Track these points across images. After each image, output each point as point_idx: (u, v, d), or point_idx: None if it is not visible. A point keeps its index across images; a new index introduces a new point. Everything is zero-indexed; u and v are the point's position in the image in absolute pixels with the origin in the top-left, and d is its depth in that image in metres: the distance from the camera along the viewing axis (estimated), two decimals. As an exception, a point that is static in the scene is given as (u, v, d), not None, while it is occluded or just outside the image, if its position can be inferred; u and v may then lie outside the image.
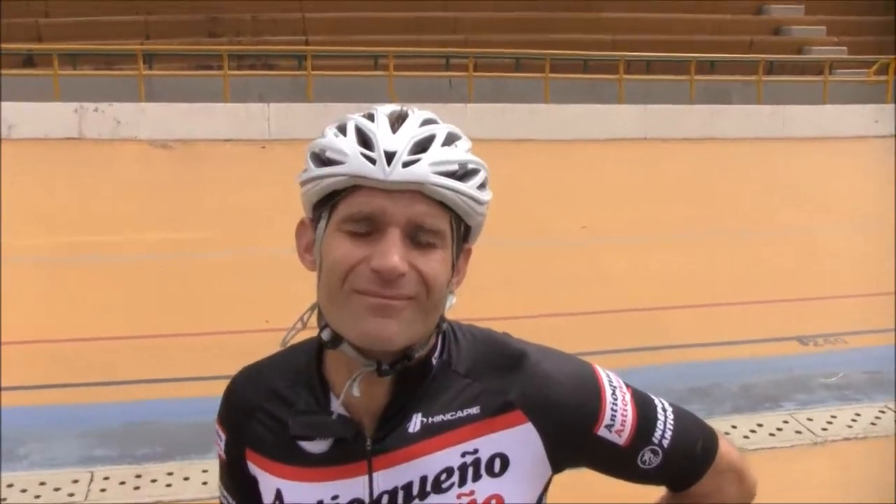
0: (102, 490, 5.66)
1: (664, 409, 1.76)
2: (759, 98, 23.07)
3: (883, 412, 7.00)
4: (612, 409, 1.68)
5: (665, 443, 1.73)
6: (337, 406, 1.64)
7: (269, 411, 1.72)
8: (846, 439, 6.61)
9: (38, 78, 19.78)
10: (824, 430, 6.71)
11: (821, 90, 23.54)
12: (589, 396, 1.68)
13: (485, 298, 8.62)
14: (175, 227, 12.00)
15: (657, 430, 1.72)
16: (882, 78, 24.19)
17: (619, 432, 1.68)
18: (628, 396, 1.71)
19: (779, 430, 6.71)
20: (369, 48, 22.11)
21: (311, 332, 1.67)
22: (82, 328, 8.37)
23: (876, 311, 9.25)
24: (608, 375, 1.73)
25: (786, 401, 7.23)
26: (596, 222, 12.90)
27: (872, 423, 6.81)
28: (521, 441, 1.64)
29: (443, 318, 1.65)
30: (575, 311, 9.20)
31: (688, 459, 1.77)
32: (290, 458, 1.69)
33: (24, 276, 9.84)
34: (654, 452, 1.72)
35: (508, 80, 22.37)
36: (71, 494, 5.58)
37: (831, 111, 22.90)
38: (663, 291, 9.89)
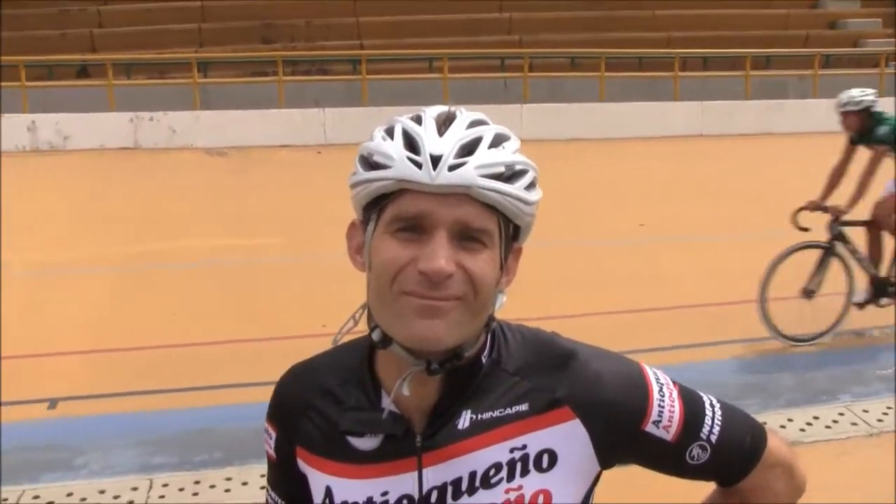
0: (161, 497, 5.72)
1: (712, 405, 1.75)
2: (814, 92, 22.80)
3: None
4: (658, 406, 1.68)
5: (713, 438, 1.73)
6: (388, 403, 1.65)
7: (319, 409, 1.74)
8: (902, 430, 6.58)
9: (92, 89, 19.99)
10: (880, 421, 6.69)
11: (877, 83, 23.25)
12: (636, 393, 1.68)
13: (543, 298, 8.66)
14: (235, 234, 12.12)
15: (705, 425, 1.72)
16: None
17: (666, 428, 1.69)
18: (675, 393, 1.71)
19: (835, 422, 6.69)
20: (423, 51, 22.13)
21: (362, 331, 1.68)
22: (140, 337, 8.48)
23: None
24: (655, 372, 1.73)
25: (842, 393, 7.21)
26: (653, 220, 12.84)
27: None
28: (569, 438, 1.64)
29: (492, 318, 1.65)
30: (633, 308, 9.20)
31: (736, 454, 1.77)
32: (340, 455, 1.70)
33: (85, 286, 9.99)
34: (703, 448, 1.72)
35: (563, 80, 22.31)
36: (130, 502, 5.65)
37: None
38: (721, 288, 9.83)
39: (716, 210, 13.55)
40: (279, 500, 1.89)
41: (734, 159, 18.38)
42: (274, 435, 1.82)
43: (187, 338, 8.44)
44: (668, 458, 1.73)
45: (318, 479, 1.74)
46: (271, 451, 1.84)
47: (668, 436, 1.69)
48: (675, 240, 11.95)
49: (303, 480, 1.78)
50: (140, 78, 21.00)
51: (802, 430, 6.55)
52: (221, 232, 12.21)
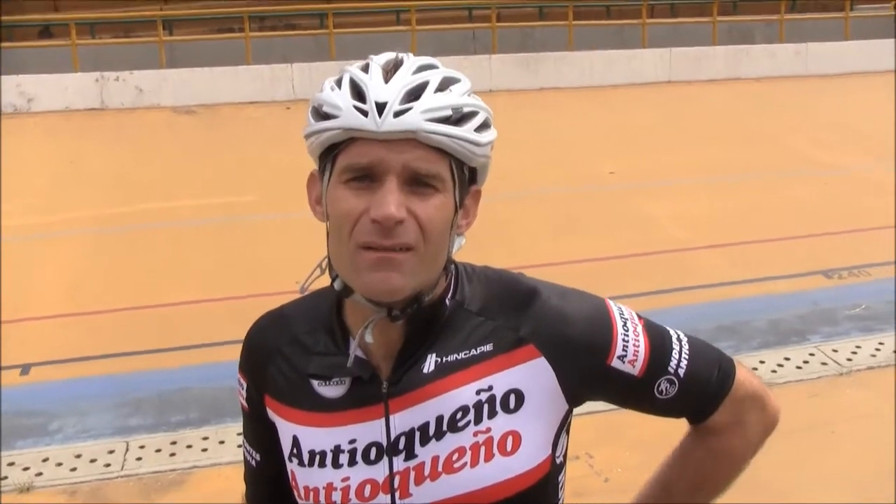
0: (138, 459, 5.73)
1: (679, 339, 1.75)
2: (781, 37, 22.85)
3: (905, 339, 7.09)
4: (623, 340, 1.68)
5: (681, 372, 1.72)
6: (354, 348, 1.66)
7: (287, 356, 1.75)
8: (870, 368, 6.67)
9: (56, 49, 19.63)
10: (849, 360, 6.78)
11: (842, 27, 23.33)
12: (600, 328, 1.68)
13: (520, 246, 8.69)
14: (208, 193, 12.04)
15: (672, 359, 1.72)
16: (904, 12, 24.00)
17: (632, 363, 1.68)
18: (640, 327, 1.72)
19: (805, 362, 6.79)
20: (391, 3, 21.95)
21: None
22: (113, 299, 8.44)
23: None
24: (619, 308, 1.74)
25: (812, 334, 7.30)
26: (624, 167, 12.87)
27: (895, 351, 6.87)
28: (534, 376, 1.64)
29: (451, 260, 1.66)
30: (605, 255, 9.25)
31: (705, 387, 1.76)
32: (307, 403, 1.70)
33: (59, 250, 9.93)
34: (671, 382, 1.72)
35: (532, 30, 22.23)
36: (107, 465, 5.66)
37: (854, 47, 22.68)
38: (692, 233, 9.91)
39: (685, 155, 13.61)
40: (253, 452, 1.89)
41: (703, 105, 18.42)
42: (245, 384, 1.84)
43: (163, 298, 8.44)
44: (636, 393, 1.73)
45: (285, 428, 1.75)
46: (244, 402, 1.85)
47: (635, 370, 1.69)
48: (646, 186, 11.98)
49: (274, 430, 1.78)
50: (104, 37, 20.75)
51: (774, 371, 6.64)
52: (195, 191, 12.11)
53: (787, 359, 6.84)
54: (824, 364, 6.75)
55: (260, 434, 1.84)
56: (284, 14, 22.54)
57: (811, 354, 6.90)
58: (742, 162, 13.13)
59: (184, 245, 10.08)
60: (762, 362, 6.77)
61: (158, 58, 19.65)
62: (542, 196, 11.08)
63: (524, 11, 23.02)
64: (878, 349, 6.95)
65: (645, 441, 3.16)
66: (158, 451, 5.82)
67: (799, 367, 6.70)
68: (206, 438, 5.95)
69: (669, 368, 1.72)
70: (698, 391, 1.76)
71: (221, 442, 5.89)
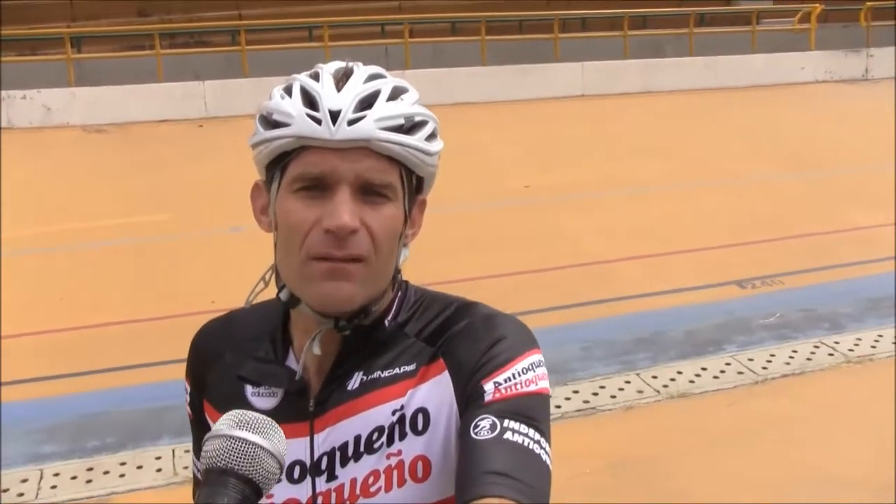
0: (53, 487, 5.59)
1: (539, 440, 1.51)
2: (691, 50, 23.25)
3: (818, 347, 7.25)
4: (513, 373, 1.55)
5: (507, 435, 1.48)
6: (292, 361, 1.64)
7: (227, 363, 1.73)
8: (784, 376, 6.78)
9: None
10: (764, 368, 6.89)
11: (749, 41, 23.83)
12: (504, 354, 1.57)
13: (435, 263, 8.67)
14: (120, 213, 11.81)
15: (520, 424, 1.51)
16: (805, 26, 24.61)
17: (496, 390, 1.53)
18: (534, 387, 1.56)
19: (722, 372, 6.87)
20: (303, 19, 21.89)
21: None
22: (23, 323, 8.24)
23: (810, 250, 9.48)
24: (542, 363, 1.60)
25: (728, 343, 7.40)
26: (539, 181, 12.94)
27: (808, 359, 7.05)
28: (439, 392, 1.59)
29: (398, 271, 1.65)
30: (521, 269, 9.27)
31: (500, 476, 1.45)
32: None
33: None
34: (493, 428, 1.49)
35: (445, 45, 22.29)
36: (21, 494, 5.51)
37: (761, 60, 23.19)
38: (607, 245, 10.00)
39: (600, 168, 13.74)
40: (198, 464, 1.83)
41: (617, 118, 18.62)
42: (189, 389, 1.81)
43: (76, 321, 8.28)
44: (468, 412, 1.54)
45: None
46: (188, 408, 1.82)
47: (489, 396, 1.53)
48: (560, 200, 12.06)
49: None
50: (10, 55, 20.36)
51: (692, 381, 6.71)
52: (107, 211, 11.91)
53: (704, 369, 6.90)
54: (740, 373, 6.83)
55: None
56: (196, 31, 22.36)
57: (727, 364, 6.98)
58: (656, 174, 13.28)
59: (99, 267, 9.91)
60: (680, 373, 6.83)
61: (67, 76, 19.35)
62: (458, 211, 11.09)
63: (437, 27, 23.08)
64: (791, 357, 7.06)
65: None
66: (74, 478, 5.68)
67: (716, 377, 6.77)
68: (123, 464, 5.82)
69: (506, 423, 1.50)
70: (495, 468, 1.46)
71: (140, 467, 5.77)
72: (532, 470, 1.48)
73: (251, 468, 1.32)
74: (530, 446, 1.50)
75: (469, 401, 1.55)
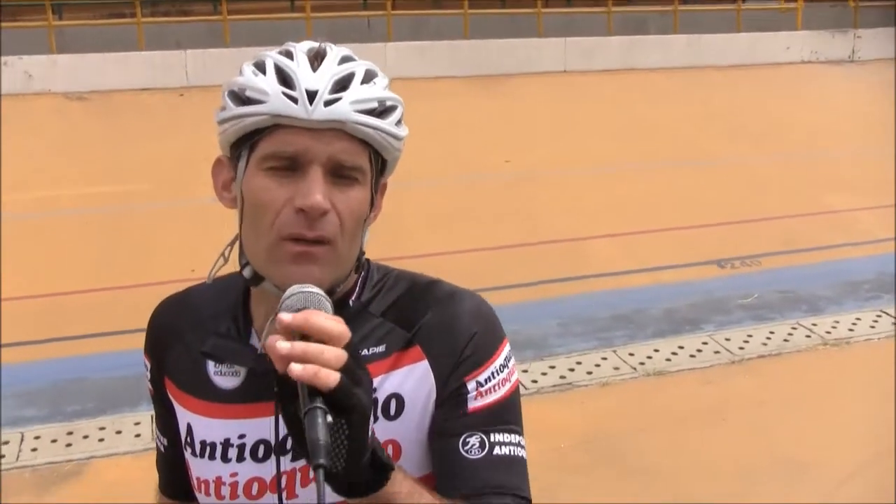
0: (34, 450, 5.66)
1: (520, 442, 1.65)
2: (675, 28, 23.16)
3: (795, 328, 7.32)
4: (491, 372, 1.63)
5: (496, 450, 1.61)
6: (255, 341, 1.65)
7: (187, 341, 1.73)
8: (761, 357, 6.84)
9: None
10: (741, 348, 6.96)
11: (734, 19, 23.73)
12: (483, 348, 1.64)
13: (412, 237, 8.70)
14: (102, 181, 11.78)
15: (501, 432, 1.62)
16: (792, 5, 24.42)
17: (479, 395, 1.62)
18: (510, 385, 1.66)
19: (699, 351, 6.94)
20: (285, -10, 21.80)
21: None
22: (6, 289, 8.20)
23: (790, 232, 9.53)
24: (511, 354, 1.69)
25: (705, 323, 7.46)
26: (520, 156, 12.93)
27: (785, 340, 7.12)
28: (416, 380, 1.62)
29: (362, 253, 1.65)
30: (501, 244, 9.30)
31: (489, 480, 1.59)
32: (202, 392, 1.69)
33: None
34: (482, 446, 1.61)
35: (428, 18, 22.22)
36: (2, 456, 5.56)
37: (745, 39, 23.10)
38: (588, 222, 10.03)
39: (580, 145, 13.73)
40: (162, 437, 1.87)
41: (598, 95, 18.61)
42: (149, 366, 1.82)
43: (55, 287, 8.29)
44: (448, 427, 1.62)
45: (182, 415, 1.74)
46: (149, 384, 1.83)
47: (473, 403, 1.62)
48: (540, 175, 12.07)
49: (174, 414, 1.77)
50: (-9, 21, 20.22)
51: (668, 359, 6.78)
52: (88, 179, 11.86)
53: (680, 347, 6.98)
54: (717, 352, 6.91)
55: (166, 418, 1.82)
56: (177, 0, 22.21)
57: (704, 343, 7.06)
58: (636, 152, 13.29)
59: (76, 234, 9.89)
60: (657, 351, 6.91)
61: (48, 43, 19.22)
62: (435, 186, 11.10)
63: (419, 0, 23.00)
64: (769, 338, 7.14)
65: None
66: (54, 441, 5.75)
67: (692, 356, 6.85)
68: (102, 428, 5.90)
69: (492, 436, 1.61)
70: (484, 474, 1.60)
71: (118, 432, 5.85)
72: (521, 474, 1.64)
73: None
74: (516, 453, 1.64)
75: (450, 397, 1.63)
